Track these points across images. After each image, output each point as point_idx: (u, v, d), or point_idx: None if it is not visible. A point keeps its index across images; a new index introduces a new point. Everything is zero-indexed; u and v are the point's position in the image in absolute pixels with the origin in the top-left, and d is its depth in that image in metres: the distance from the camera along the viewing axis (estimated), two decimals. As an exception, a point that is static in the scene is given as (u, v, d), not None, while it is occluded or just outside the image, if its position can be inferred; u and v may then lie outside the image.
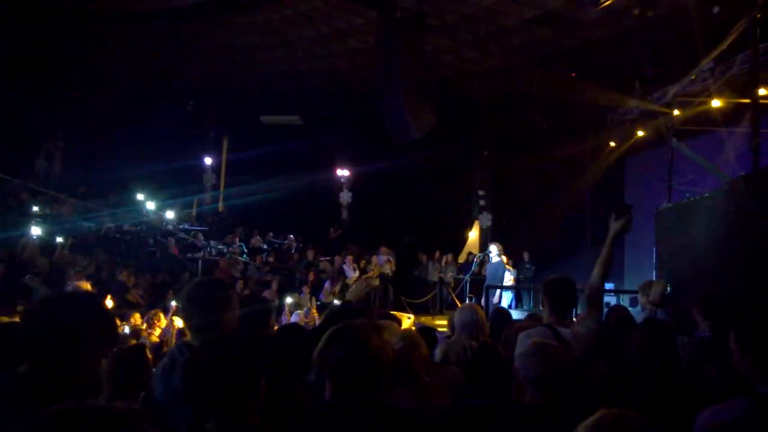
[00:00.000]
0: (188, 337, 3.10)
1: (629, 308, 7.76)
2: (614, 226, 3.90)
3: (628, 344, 4.16)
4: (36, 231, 13.03)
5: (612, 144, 15.56)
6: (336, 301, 11.75)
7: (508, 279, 13.41)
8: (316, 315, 11.83)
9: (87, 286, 10.12)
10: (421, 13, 11.79)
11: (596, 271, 3.92)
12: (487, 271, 13.26)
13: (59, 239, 13.26)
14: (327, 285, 14.65)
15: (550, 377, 2.99)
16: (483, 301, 12.03)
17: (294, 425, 2.48)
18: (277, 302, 12.76)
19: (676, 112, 12.21)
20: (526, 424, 2.93)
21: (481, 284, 13.32)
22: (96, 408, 1.49)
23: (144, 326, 8.56)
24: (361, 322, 2.60)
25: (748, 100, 9.60)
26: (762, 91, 9.29)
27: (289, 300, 12.19)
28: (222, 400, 2.12)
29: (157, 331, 8.85)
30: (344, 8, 13.31)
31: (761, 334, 2.72)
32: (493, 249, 12.89)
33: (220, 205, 21.63)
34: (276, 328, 4.46)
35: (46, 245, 13.12)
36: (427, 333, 4.72)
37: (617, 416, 1.83)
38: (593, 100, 14.12)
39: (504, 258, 12.80)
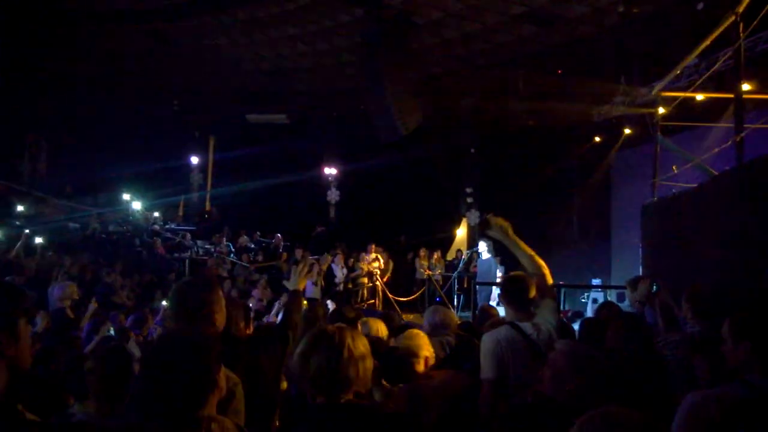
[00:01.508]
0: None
1: (617, 303, 7.82)
2: (496, 234, 4.04)
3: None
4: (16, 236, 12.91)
5: (597, 139, 15.59)
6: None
7: (499, 276, 13.45)
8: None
9: (73, 287, 10.04)
10: (407, 11, 11.80)
11: (529, 268, 4.08)
12: (478, 268, 13.29)
13: (38, 239, 13.15)
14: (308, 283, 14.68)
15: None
16: (472, 297, 12.08)
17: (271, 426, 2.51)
18: (265, 302, 12.75)
19: (661, 109, 12.27)
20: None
21: (470, 281, 13.36)
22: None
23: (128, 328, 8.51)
24: (339, 325, 2.62)
25: (731, 96, 9.66)
26: (745, 86, 9.35)
27: (284, 299, 12.13)
28: (163, 396, 2.10)
29: (144, 332, 8.79)
30: (330, 6, 13.28)
31: (755, 323, 2.76)
32: (484, 246, 12.91)
33: (207, 206, 21.55)
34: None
35: (30, 246, 13.03)
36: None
37: (614, 414, 1.82)
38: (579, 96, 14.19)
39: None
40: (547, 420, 2.85)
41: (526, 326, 3.80)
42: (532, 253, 4.13)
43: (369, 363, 2.52)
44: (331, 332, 2.51)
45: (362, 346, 2.52)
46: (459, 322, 4.98)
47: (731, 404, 2.52)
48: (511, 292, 4.02)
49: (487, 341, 3.78)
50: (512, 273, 4.23)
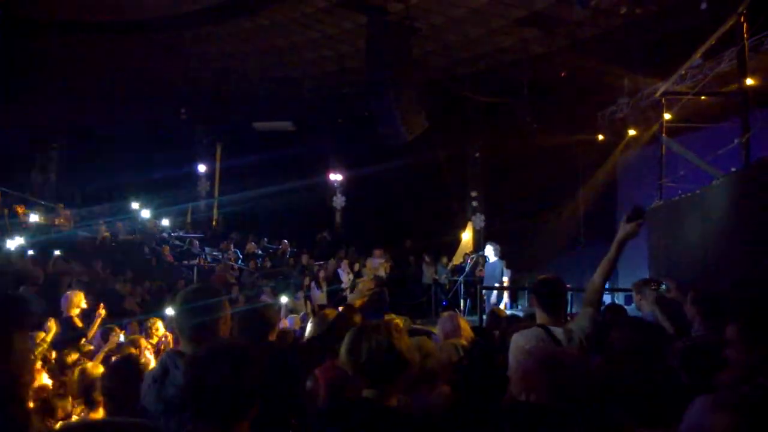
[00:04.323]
0: (180, 345, 3.11)
1: (625, 306, 7.82)
2: (625, 228, 3.88)
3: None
4: (15, 243, 12.98)
5: (600, 137, 15.55)
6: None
7: (505, 280, 13.45)
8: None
9: (81, 295, 10.11)
10: (410, 17, 11.84)
11: (599, 271, 3.89)
12: (486, 271, 13.28)
13: (56, 252, 13.25)
14: (313, 286, 14.84)
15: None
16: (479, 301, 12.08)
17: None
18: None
19: (666, 113, 12.26)
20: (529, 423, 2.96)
21: (476, 285, 13.36)
22: (105, 423, 1.49)
23: (142, 335, 8.56)
24: (384, 321, 2.66)
25: (737, 96, 9.66)
26: (749, 81, 9.34)
27: (284, 300, 12.12)
28: (218, 406, 2.11)
29: (155, 340, 8.83)
30: (334, 13, 13.34)
31: None
32: (490, 249, 12.90)
33: (214, 218, 21.64)
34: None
35: (41, 256, 13.12)
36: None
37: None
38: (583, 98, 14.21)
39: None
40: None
41: (558, 331, 3.74)
42: (610, 268, 3.93)
43: (415, 356, 2.56)
44: (377, 324, 2.57)
45: (406, 339, 2.56)
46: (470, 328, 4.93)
47: (745, 408, 2.50)
48: (545, 295, 3.94)
49: (518, 340, 3.76)
50: (546, 276, 4.14)
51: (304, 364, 3.69)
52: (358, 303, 3.88)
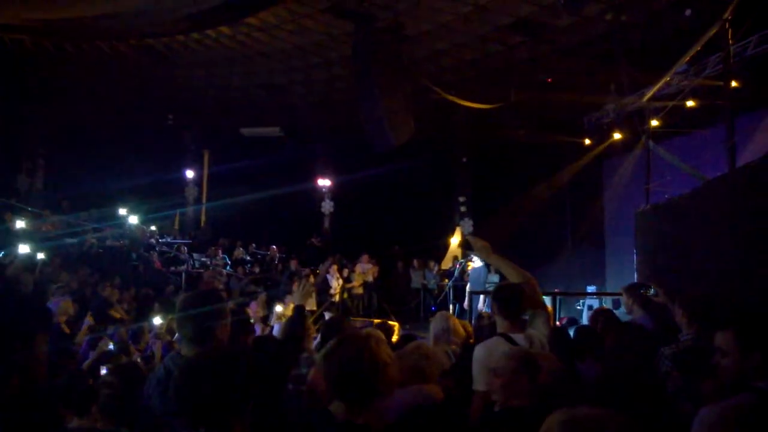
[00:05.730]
0: (177, 347, 3.13)
1: (613, 310, 7.86)
2: (479, 255, 4.13)
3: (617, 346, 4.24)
4: (24, 249, 12.88)
5: (587, 141, 15.65)
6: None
7: (489, 283, 13.50)
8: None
9: (68, 302, 10.07)
10: (398, 23, 11.87)
11: (512, 276, 4.08)
12: (470, 276, 13.33)
13: (40, 256, 13.15)
14: None
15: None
16: (466, 306, 12.12)
17: None
18: (261, 314, 12.74)
19: (652, 118, 12.36)
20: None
21: (464, 290, 13.42)
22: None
23: (130, 343, 8.52)
24: (363, 331, 2.66)
25: (722, 101, 9.77)
26: (734, 85, 9.46)
27: (278, 309, 12.11)
28: (213, 410, 2.12)
29: (142, 346, 8.81)
30: (321, 20, 13.35)
31: (765, 332, 2.74)
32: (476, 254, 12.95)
33: (202, 220, 21.59)
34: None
35: (28, 262, 13.01)
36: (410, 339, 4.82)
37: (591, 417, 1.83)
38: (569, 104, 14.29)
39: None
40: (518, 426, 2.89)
41: (519, 338, 3.77)
42: (516, 267, 4.12)
43: (392, 370, 2.52)
44: (356, 337, 2.56)
45: (385, 352, 2.53)
46: (464, 329, 4.91)
47: (750, 414, 2.50)
48: (503, 302, 3.97)
49: (480, 353, 3.77)
50: (503, 283, 4.20)
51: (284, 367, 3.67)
52: (309, 301, 3.86)
